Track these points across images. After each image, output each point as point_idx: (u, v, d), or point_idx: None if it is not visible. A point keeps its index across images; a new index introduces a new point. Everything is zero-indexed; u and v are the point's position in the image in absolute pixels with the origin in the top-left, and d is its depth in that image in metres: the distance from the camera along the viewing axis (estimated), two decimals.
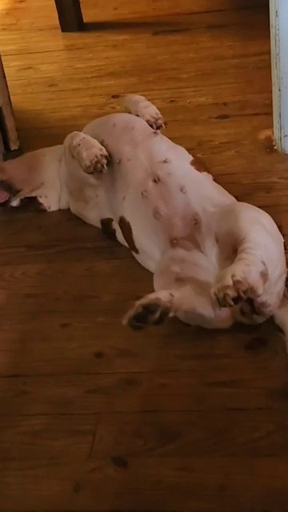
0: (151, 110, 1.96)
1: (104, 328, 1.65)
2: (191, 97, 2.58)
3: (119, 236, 1.85)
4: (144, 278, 1.75)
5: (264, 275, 1.41)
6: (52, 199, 2.07)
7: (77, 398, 1.47)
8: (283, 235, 1.64)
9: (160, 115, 1.95)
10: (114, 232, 1.87)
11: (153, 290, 1.69)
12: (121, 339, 1.60)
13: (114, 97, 2.67)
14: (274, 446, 1.31)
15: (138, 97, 2.06)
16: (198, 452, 1.33)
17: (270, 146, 2.22)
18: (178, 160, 1.80)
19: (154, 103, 2.57)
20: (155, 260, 1.70)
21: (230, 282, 1.36)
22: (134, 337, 1.59)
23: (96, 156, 1.78)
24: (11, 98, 2.46)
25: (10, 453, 1.39)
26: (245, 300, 1.40)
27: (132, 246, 1.78)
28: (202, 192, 1.71)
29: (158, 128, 1.92)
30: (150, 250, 1.72)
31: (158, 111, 1.97)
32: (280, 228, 1.64)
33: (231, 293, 1.35)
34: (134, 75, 2.82)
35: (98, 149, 1.80)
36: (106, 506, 1.26)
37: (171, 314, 1.45)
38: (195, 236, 1.64)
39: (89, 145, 1.82)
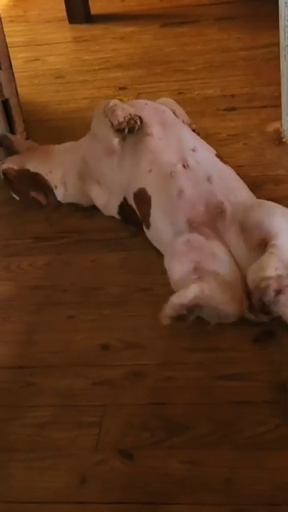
0: (186, 118, 2.03)
1: (110, 320, 1.64)
2: (199, 89, 2.57)
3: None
4: (151, 271, 1.75)
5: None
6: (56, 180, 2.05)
7: (83, 390, 1.47)
8: None
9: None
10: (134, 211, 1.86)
11: (160, 283, 1.70)
12: (127, 331, 1.59)
13: (121, 89, 2.66)
14: (281, 440, 1.30)
15: (171, 101, 2.08)
16: (204, 445, 1.32)
17: (278, 139, 2.20)
18: (204, 150, 1.84)
19: (161, 95, 2.58)
20: (165, 238, 1.70)
21: (273, 274, 1.37)
22: (141, 329, 1.60)
23: (131, 115, 1.82)
24: (18, 89, 2.44)
25: (15, 444, 1.39)
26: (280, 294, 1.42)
27: (145, 220, 1.78)
28: (227, 183, 1.73)
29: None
30: (163, 227, 1.72)
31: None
32: None
33: (275, 285, 1.37)
34: (142, 67, 2.80)
35: (133, 110, 1.85)
36: (112, 499, 1.26)
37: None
38: (217, 224, 1.64)
39: (125, 107, 1.87)
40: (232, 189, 1.73)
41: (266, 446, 1.30)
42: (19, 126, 2.40)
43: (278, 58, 2.15)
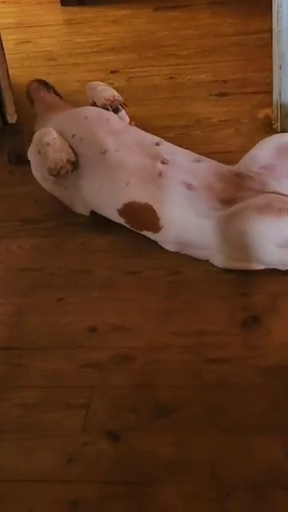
0: (106, 93, 1.96)
1: (98, 303, 1.64)
2: (191, 74, 2.56)
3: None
4: (139, 254, 1.76)
5: None
6: None
7: (71, 372, 1.47)
8: None
9: (118, 97, 1.95)
10: None
11: (148, 266, 1.71)
12: (115, 314, 1.60)
13: (112, 72, 2.64)
14: (267, 424, 1.32)
15: (95, 83, 2.06)
16: (191, 427, 1.33)
17: (269, 125, 2.21)
18: (165, 141, 1.83)
19: (152, 79, 2.57)
20: (196, 227, 1.66)
21: None
22: (129, 312, 1.60)
23: (62, 161, 1.76)
24: (9, 71, 2.43)
25: (3, 425, 1.39)
26: None
27: (153, 226, 1.72)
28: (211, 160, 1.78)
29: (114, 110, 1.92)
30: (186, 219, 1.67)
31: (115, 93, 1.97)
32: None
33: None
34: (134, 51, 2.79)
35: (65, 153, 1.77)
36: (98, 479, 1.27)
37: None
38: (248, 184, 1.67)
39: (57, 147, 1.78)
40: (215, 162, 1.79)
41: (252, 430, 1.31)
42: (10, 108, 2.39)
43: (270, 44, 2.14)
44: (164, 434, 1.32)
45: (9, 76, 2.40)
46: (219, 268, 1.66)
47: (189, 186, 1.68)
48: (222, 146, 2.14)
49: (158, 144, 1.78)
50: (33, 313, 1.64)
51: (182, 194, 1.68)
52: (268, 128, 2.20)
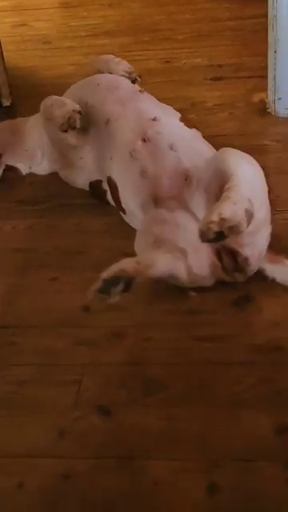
0: (123, 66, 1.99)
1: (92, 283, 1.62)
2: (186, 58, 2.57)
3: (109, 197, 1.85)
4: (134, 235, 1.76)
5: (249, 213, 1.38)
6: (33, 165, 2.06)
7: (64, 350, 1.49)
8: (274, 197, 1.65)
9: (132, 69, 1.98)
10: (104, 192, 1.86)
11: None
12: None
13: None
14: (256, 399, 1.34)
15: (107, 56, 2.07)
16: (181, 403, 1.35)
17: (263, 109, 2.22)
18: (167, 117, 1.79)
19: (148, 63, 2.58)
20: (140, 220, 1.70)
21: (216, 218, 1.33)
22: None
23: (68, 112, 1.78)
24: (4, 54, 2.43)
25: None
26: (226, 237, 1.37)
27: (119, 207, 1.78)
28: (193, 148, 1.71)
29: (133, 82, 1.95)
30: (134, 209, 1.71)
31: (130, 65, 1.99)
32: (270, 190, 1.63)
33: (215, 228, 1.33)
34: (129, 35, 2.80)
35: (70, 106, 1.80)
36: (89, 453, 1.29)
37: (138, 280, 1.44)
38: (184, 194, 1.62)
39: (61, 103, 1.82)
40: (198, 151, 1.69)
41: (241, 405, 1.33)
42: (5, 90, 2.40)
43: (266, 29, 2.15)
44: (154, 409, 1.34)
45: (3, 59, 2.40)
46: None
47: (142, 173, 1.67)
48: (217, 130, 2.15)
49: (154, 119, 1.75)
50: (26, 292, 1.66)
51: (136, 180, 1.68)
52: (262, 112, 2.21)
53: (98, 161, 1.84)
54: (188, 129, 1.79)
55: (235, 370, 1.39)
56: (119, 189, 1.74)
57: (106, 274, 1.42)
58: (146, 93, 1.91)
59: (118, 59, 2.02)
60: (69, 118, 1.78)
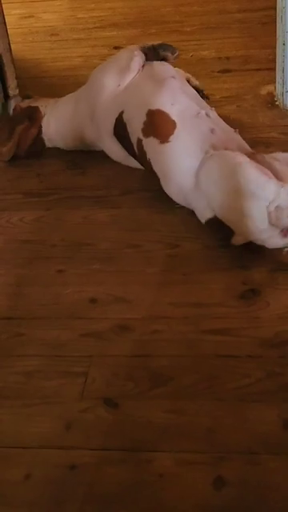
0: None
1: (99, 275, 1.66)
2: (194, 50, 2.56)
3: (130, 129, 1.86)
4: (141, 228, 1.77)
5: None
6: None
7: (70, 341, 1.49)
8: None
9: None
10: (125, 125, 1.87)
11: (149, 240, 1.72)
12: (115, 286, 1.61)
13: (115, 48, 2.63)
14: (263, 393, 1.33)
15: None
16: (188, 396, 1.35)
17: (271, 102, 2.21)
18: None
19: None
20: (187, 164, 1.71)
21: None
22: (129, 284, 1.62)
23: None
24: (12, 46, 2.42)
25: (3, 392, 1.41)
26: None
27: (162, 135, 1.78)
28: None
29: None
30: (188, 151, 1.72)
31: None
32: None
33: None
34: (137, 27, 2.78)
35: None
36: (96, 445, 1.29)
37: None
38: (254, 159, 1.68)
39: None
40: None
41: (248, 398, 1.33)
42: (12, 82, 2.38)
43: (274, 21, 2.14)
44: (161, 401, 1.34)
45: (11, 50, 2.39)
46: (219, 242, 1.67)
47: (212, 131, 1.75)
48: (225, 122, 2.14)
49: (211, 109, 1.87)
50: (33, 283, 1.66)
51: (204, 132, 1.74)
52: (270, 105, 2.20)
53: (150, 92, 1.87)
54: None
55: (243, 364, 1.39)
56: (178, 126, 1.77)
57: None
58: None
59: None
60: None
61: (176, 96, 1.85)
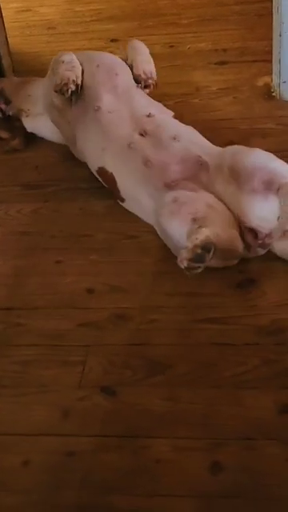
0: (147, 67, 1.93)
1: (97, 265, 1.67)
2: (191, 42, 2.56)
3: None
4: (138, 219, 1.77)
5: None
6: (33, 113, 2.07)
7: (68, 331, 1.50)
8: None
9: (154, 75, 1.93)
10: None
11: (146, 231, 1.73)
12: (113, 276, 1.62)
13: (112, 41, 2.64)
14: (259, 380, 1.35)
15: (141, 47, 2.01)
16: (184, 383, 1.36)
17: (268, 93, 2.21)
18: (161, 114, 1.81)
19: (153, 48, 2.54)
20: (146, 206, 1.69)
21: None
22: (126, 274, 1.63)
23: (68, 79, 1.79)
24: (9, 39, 2.43)
25: (1, 381, 1.43)
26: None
27: (117, 195, 1.78)
28: (195, 140, 1.72)
29: (145, 87, 1.91)
30: (139, 197, 1.71)
31: (153, 70, 1.94)
32: None
33: None
34: (134, 20, 2.78)
35: (74, 75, 1.81)
36: (93, 432, 1.30)
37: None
38: (201, 177, 1.63)
39: (70, 67, 1.83)
40: (201, 144, 1.71)
41: (244, 385, 1.34)
42: (9, 75, 2.39)
43: (271, 13, 2.14)
44: (158, 389, 1.35)
45: (8, 43, 2.40)
46: None
47: (146, 163, 1.67)
48: (221, 114, 2.15)
49: (148, 116, 1.76)
50: (32, 274, 1.67)
51: (139, 170, 1.68)
52: (267, 96, 2.21)
53: (86, 145, 1.83)
54: (185, 125, 1.79)
55: (239, 352, 1.40)
56: (117, 179, 1.74)
57: (195, 243, 1.44)
58: (139, 89, 1.90)
59: (148, 57, 1.98)
60: (65, 84, 1.79)
61: (104, 135, 1.75)
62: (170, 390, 1.35)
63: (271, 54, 2.19)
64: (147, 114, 1.77)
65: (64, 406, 1.35)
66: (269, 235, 1.56)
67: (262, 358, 1.39)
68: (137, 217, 1.78)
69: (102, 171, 1.79)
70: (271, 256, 1.61)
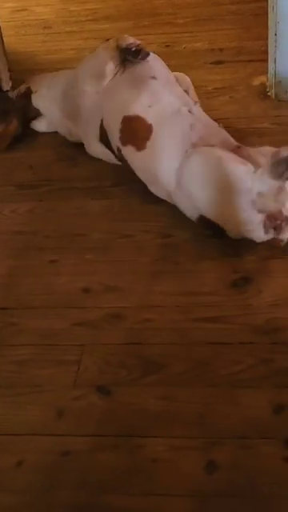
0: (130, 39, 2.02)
1: (92, 265, 1.66)
2: (187, 42, 2.56)
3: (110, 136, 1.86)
4: (133, 218, 1.77)
5: None
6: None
7: (63, 331, 1.50)
8: None
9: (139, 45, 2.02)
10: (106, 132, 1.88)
11: (142, 230, 1.73)
12: (108, 275, 1.62)
13: (108, 40, 2.62)
14: (254, 379, 1.34)
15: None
16: (180, 382, 1.36)
17: (263, 92, 2.21)
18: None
19: (149, 48, 2.54)
20: (168, 164, 1.69)
21: None
22: (122, 274, 1.62)
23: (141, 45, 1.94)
24: (4, 39, 2.42)
25: None
26: None
27: (139, 144, 1.76)
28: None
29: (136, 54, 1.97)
30: (168, 153, 1.70)
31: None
32: None
33: None
34: (130, 19, 2.78)
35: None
36: (88, 431, 1.30)
37: None
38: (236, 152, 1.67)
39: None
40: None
41: (240, 385, 1.34)
42: (5, 74, 2.38)
43: (266, 13, 2.14)
44: (153, 388, 1.35)
45: (3, 43, 2.39)
46: (211, 231, 1.68)
47: (191, 127, 1.72)
48: (218, 113, 2.13)
49: (195, 104, 1.85)
50: (26, 274, 1.66)
51: (184, 130, 1.71)
52: (262, 95, 2.20)
53: (126, 98, 1.84)
54: None
55: (234, 351, 1.40)
56: (155, 130, 1.75)
57: None
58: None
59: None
60: (138, 45, 1.93)
61: (155, 96, 1.81)
62: (165, 390, 1.35)
63: (267, 53, 2.19)
64: (194, 102, 1.85)
65: (59, 405, 1.34)
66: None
67: (258, 357, 1.38)
68: (132, 216, 1.78)
69: (136, 120, 1.78)
70: (267, 255, 1.61)
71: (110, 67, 1.92)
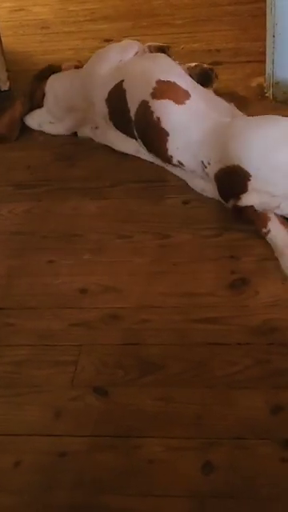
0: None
1: (90, 265, 1.66)
2: (184, 43, 2.56)
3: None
4: (130, 219, 1.77)
5: None
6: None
7: (60, 331, 1.50)
8: None
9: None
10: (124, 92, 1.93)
11: (139, 230, 1.73)
12: (106, 276, 1.62)
13: (106, 41, 2.62)
14: (251, 380, 1.35)
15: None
16: (177, 383, 1.36)
17: (261, 93, 2.21)
18: None
19: None
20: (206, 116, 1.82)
21: None
22: (119, 274, 1.62)
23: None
24: (2, 39, 2.42)
25: None
26: None
27: (179, 99, 1.84)
28: None
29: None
30: (205, 110, 1.83)
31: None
32: None
33: None
34: (128, 20, 2.78)
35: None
36: (85, 432, 1.30)
37: None
38: None
39: None
40: None
41: (237, 385, 1.34)
42: (2, 74, 2.39)
43: (264, 14, 2.14)
44: (150, 389, 1.35)
45: (1, 43, 2.39)
46: (208, 232, 1.68)
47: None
48: None
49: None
50: (23, 274, 1.66)
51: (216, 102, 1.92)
52: (260, 96, 2.21)
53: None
54: None
55: (232, 352, 1.40)
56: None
57: None
58: None
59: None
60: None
61: (184, 76, 1.95)
62: (162, 390, 1.35)
63: (265, 54, 2.19)
64: None
65: (56, 406, 1.35)
66: None
67: (255, 357, 1.38)
68: (130, 216, 1.78)
69: (174, 85, 1.86)
70: (264, 256, 1.61)
71: (136, 45, 2.11)
